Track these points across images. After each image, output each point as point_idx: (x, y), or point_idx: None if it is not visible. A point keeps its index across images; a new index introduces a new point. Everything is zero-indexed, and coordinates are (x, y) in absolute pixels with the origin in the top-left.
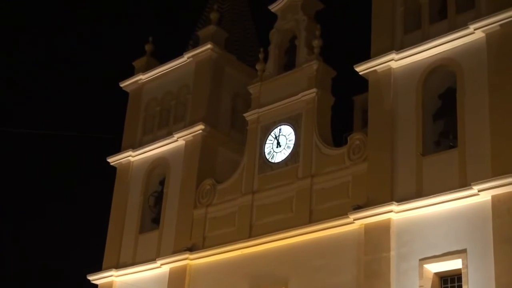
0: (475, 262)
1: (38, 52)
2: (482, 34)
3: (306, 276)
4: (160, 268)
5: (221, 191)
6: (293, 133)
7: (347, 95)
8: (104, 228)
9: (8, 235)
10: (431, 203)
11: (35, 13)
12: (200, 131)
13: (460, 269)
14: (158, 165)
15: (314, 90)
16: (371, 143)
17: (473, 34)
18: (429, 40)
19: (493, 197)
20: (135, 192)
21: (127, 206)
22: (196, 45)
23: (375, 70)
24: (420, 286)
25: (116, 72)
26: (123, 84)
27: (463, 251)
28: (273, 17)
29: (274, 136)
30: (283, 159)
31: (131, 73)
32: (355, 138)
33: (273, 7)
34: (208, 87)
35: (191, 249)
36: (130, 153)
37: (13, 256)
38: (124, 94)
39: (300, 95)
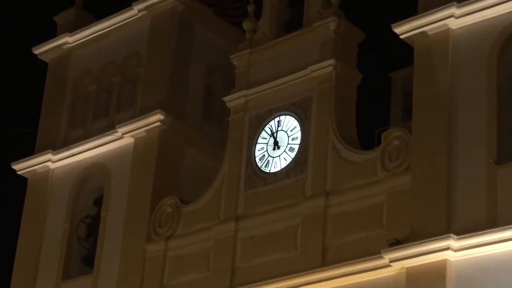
0: None
1: None
2: None
3: None
4: None
5: (188, 216)
6: (298, 127)
7: (381, 69)
8: (7, 270)
9: None
10: (510, 237)
11: None
12: (158, 123)
13: None
14: (93, 175)
15: (331, 61)
16: (417, 143)
17: None
18: None
19: None
20: (57, 216)
21: (43, 238)
22: None
23: (424, 32)
24: None
25: (28, 32)
26: (38, 51)
27: None
28: None
29: (269, 132)
30: (283, 167)
31: (51, 33)
32: (392, 136)
33: None
34: (169, 56)
35: None
36: (49, 156)
37: None
38: (41, 65)
39: (309, 69)
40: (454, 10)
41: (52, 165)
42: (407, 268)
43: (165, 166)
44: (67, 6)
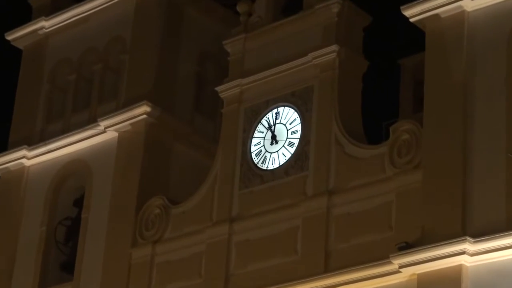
0: None
1: None
2: None
3: None
4: None
5: (178, 218)
6: (298, 120)
7: (389, 56)
8: None
9: None
10: None
11: None
12: (144, 116)
13: None
14: (73, 173)
15: (335, 47)
16: (429, 137)
17: None
18: None
19: None
20: (33, 218)
21: (18, 243)
22: None
23: (436, 15)
24: None
25: (0, 16)
26: (11, 36)
27: None
28: None
29: (267, 126)
30: (281, 164)
31: (26, 17)
32: (402, 129)
33: None
34: (156, 41)
35: None
36: (23, 152)
37: None
38: (15, 52)
39: (310, 56)
40: None
41: (27, 162)
42: (419, 275)
43: (152, 163)
44: None
